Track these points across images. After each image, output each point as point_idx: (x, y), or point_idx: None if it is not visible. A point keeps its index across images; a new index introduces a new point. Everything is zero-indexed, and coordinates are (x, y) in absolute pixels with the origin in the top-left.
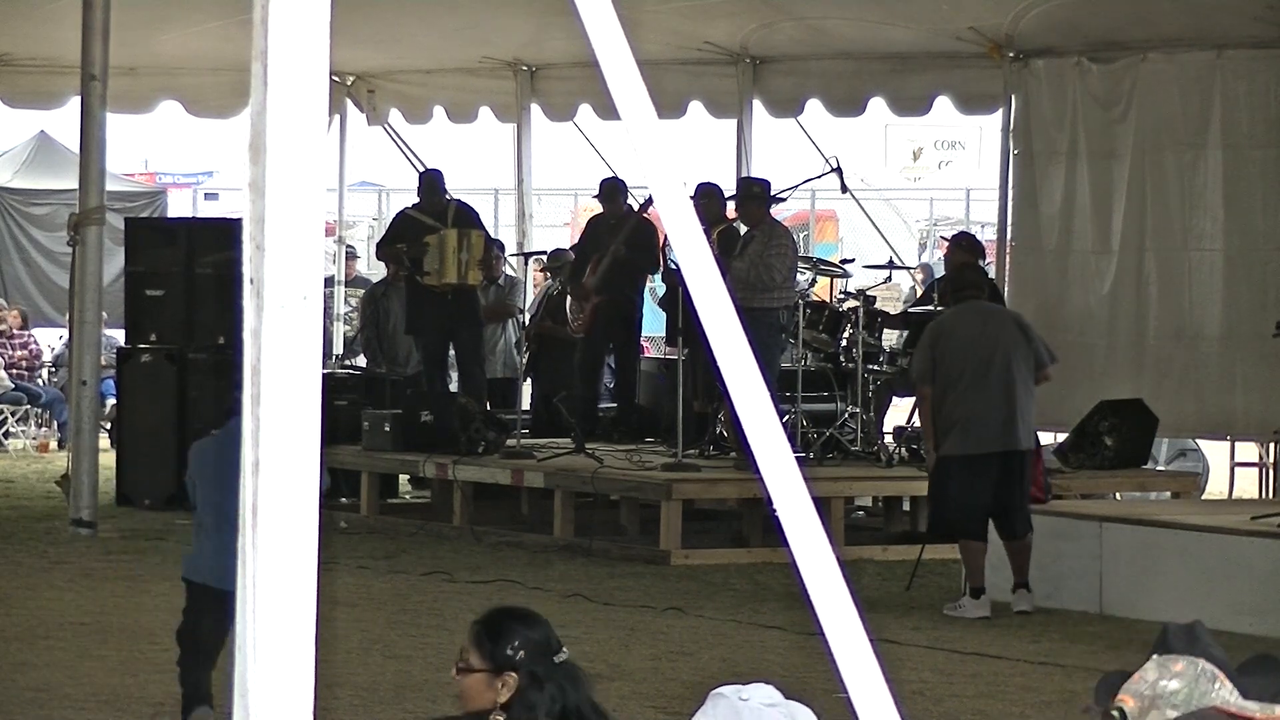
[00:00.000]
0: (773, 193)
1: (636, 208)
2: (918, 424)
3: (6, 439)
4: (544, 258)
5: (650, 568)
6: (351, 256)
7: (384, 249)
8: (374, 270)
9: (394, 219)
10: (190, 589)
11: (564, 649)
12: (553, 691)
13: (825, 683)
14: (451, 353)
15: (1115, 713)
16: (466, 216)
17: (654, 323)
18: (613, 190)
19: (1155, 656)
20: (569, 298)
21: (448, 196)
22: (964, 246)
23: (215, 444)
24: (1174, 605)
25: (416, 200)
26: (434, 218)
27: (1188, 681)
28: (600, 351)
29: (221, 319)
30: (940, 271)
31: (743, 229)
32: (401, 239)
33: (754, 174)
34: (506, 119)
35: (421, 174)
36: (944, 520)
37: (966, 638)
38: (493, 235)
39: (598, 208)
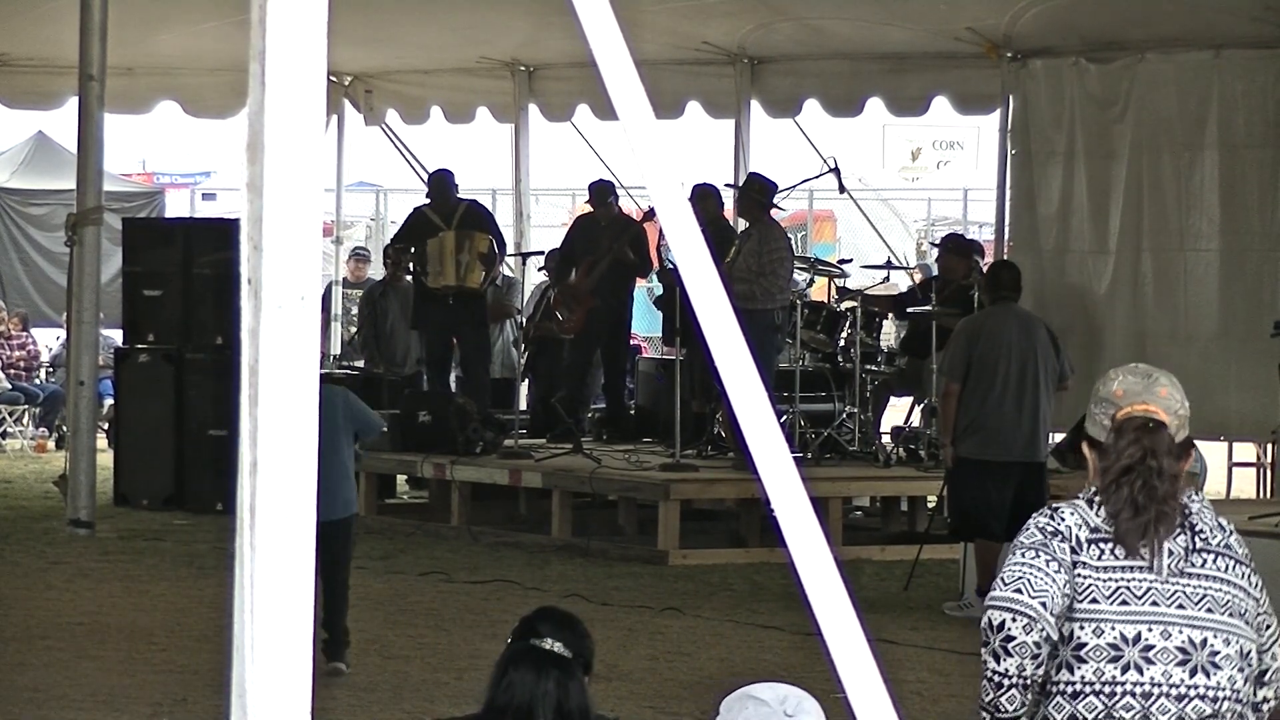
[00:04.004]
0: (774, 198)
1: (640, 215)
2: (915, 424)
3: (4, 439)
4: (541, 257)
5: (648, 568)
6: (363, 260)
7: (392, 246)
8: (372, 270)
9: (408, 216)
10: None
11: (550, 642)
12: (512, 675)
13: (823, 683)
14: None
15: (1152, 423)
16: (475, 218)
17: (651, 323)
18: (603, 192)
19: (1147, 379)
20: (556, 296)
21: (459, 196)
22: (951, 249)
23: None
24: None
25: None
26: (442, 218)
27: (1184, 399)
28: (590, 353)
29: (219, 319)
30: (938, 272)
31: (739, 226)
32: (411, 237)
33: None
34: (504, 119)
35: (431, 174)
36: (969, 521)
37: (965, 638)
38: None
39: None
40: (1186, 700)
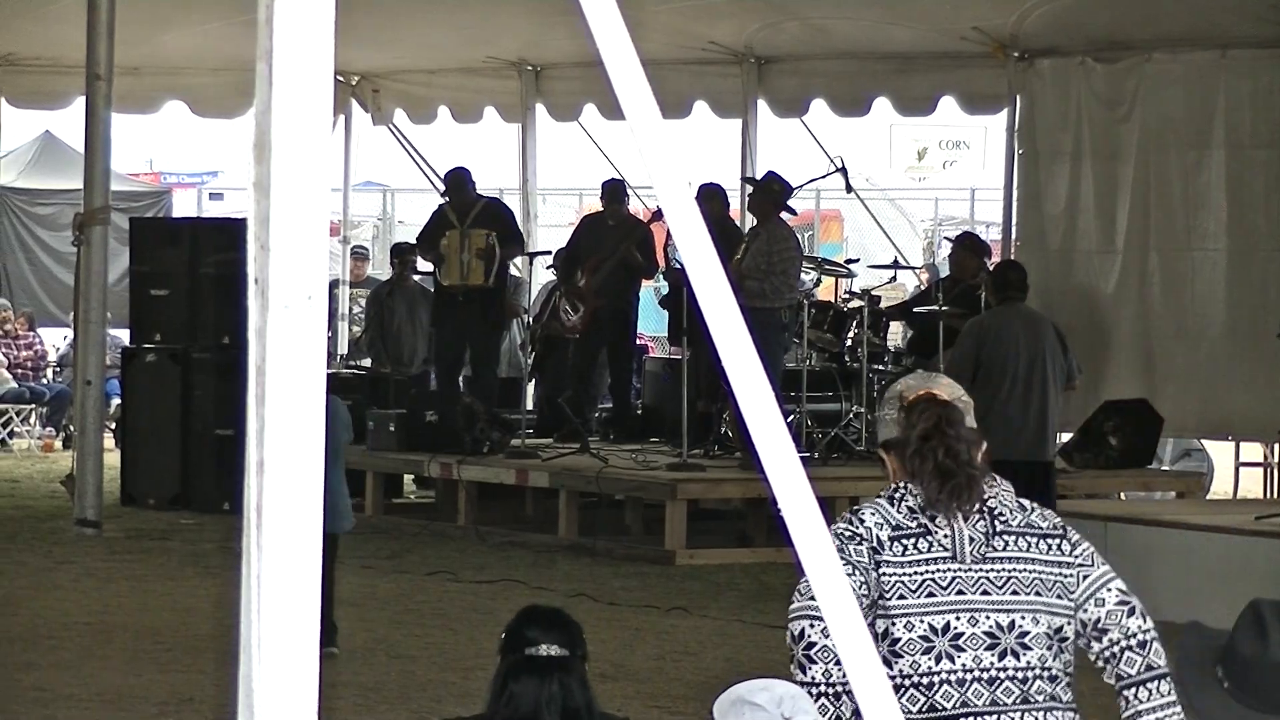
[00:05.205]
0: (789, 200)
1: (648, 217)
2: None
3: (11, 439)
4: (548, 257)
5: (655, 568)
6: (362, 258)
7: (415, 245)
8: (379, 270)
9: (431, 214)
10: None
11: (545, 647)
12: (513, 687)
13: None
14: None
15: (943, 398)
16: (489, 215)
17: (658, 322)
18: (616, 191)
19: (926, 377)
20: (562, 296)
21: (479, 194)
22: (966, 246)
23: None
24: (1178, 605)
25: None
26: (459, 215)
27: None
28: (596, 353)
29: (226, 319)
30: (945, 271)
31: (745, 226)
32: (432, 235)
33: (759, 175)
34: (511, 119)
35: (447, 173)
36: None
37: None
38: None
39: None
40: (997, 683)
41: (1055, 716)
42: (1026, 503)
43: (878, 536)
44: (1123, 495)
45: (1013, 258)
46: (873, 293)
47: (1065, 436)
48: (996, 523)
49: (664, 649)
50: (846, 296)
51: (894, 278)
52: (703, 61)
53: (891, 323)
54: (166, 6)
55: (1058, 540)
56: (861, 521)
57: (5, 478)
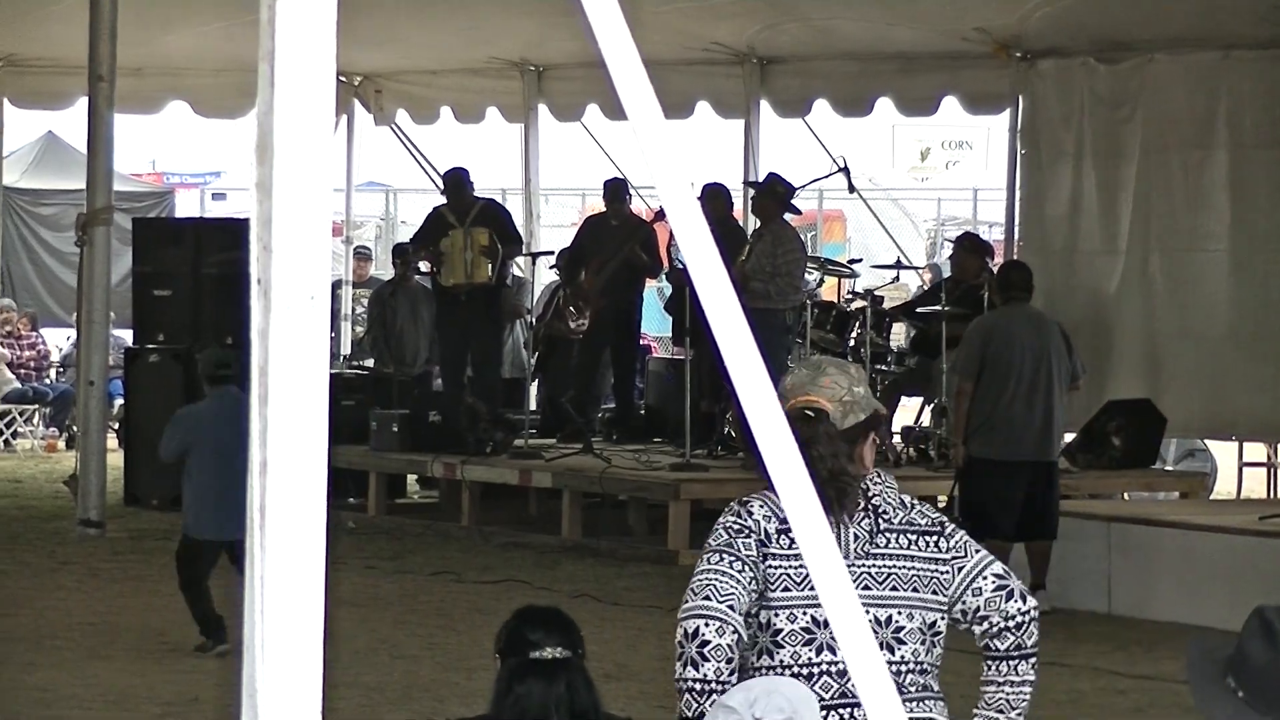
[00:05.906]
0: (792, 200)
1: (650, 217)
2: (925, 424)
3: (15, 439)
4: (551, 257)
5: (658, 568)
6: (365, 258)
7: (410, 246)
8: (381, 270)
9: (427, 216)
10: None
11: (550, 649)
12: (519, 690)
13: None
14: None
15: (810, 413)
16: (487, 216)
17: (661, 323)
18: (618, 190)
19: (814, 370)
20: (565, 296)
21: (477, 195)
22: (967, 247)
23: (208, 409)
24: (1182, 605)
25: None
26: (458, 216)
27: (865, 387)
28: (599, 353)
29: (228, 319)
30: (948, 272)
31: (749, 227)
32: (429, 236)
33: (761, 175)
34: (513, 119)
35: (445, 173)
36: (980, 520)
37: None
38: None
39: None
40: None
41: (926, 705)
42: (908, 499)
43: (765, 529)
44: (1126, 496)
45: (1016, 258)
46: (875, 293)
47: (1068, 437)
48: (880, 520)
49: (667, 649)
50: (849, 297)
51: (897, 278)
52: (705, 62)
53: (894, 323)
54: (169, 7)
55: (935, 537)
56: (750, 514)
57: (9, 478)
